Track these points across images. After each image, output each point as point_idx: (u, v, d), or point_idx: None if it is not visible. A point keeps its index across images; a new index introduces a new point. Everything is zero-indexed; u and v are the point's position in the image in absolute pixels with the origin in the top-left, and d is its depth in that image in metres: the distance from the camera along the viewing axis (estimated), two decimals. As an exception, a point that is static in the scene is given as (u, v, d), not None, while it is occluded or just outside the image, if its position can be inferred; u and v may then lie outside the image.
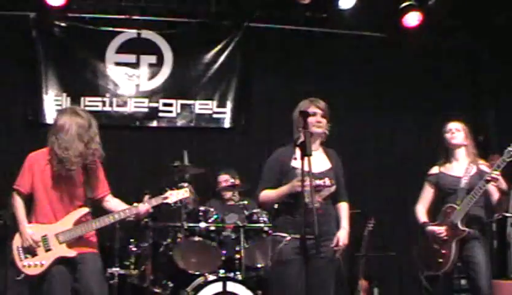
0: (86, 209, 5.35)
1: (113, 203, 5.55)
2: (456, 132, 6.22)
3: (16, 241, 5.32)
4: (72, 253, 5.25)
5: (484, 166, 6.13)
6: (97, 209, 5.49)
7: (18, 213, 5.36)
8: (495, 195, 6.10)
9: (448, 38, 9.12)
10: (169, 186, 5.76)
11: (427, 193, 6.35)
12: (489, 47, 8.83)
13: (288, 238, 5.03)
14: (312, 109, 5.20)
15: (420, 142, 9.00)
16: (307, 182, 4.85)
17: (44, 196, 5.31)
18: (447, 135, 6.24)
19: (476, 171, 6.09)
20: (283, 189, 5.07)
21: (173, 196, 5.60)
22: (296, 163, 5.09)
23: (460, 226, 5.93)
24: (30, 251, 5.24)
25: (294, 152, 5.15)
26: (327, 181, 5.12)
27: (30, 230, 5.26)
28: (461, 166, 6.18)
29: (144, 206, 5.42)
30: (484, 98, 9.10)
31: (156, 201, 5.50)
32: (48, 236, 5.24)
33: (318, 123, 5.21)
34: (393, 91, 9.25)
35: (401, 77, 9.23)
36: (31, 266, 5.24)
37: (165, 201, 5.56)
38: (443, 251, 6.03)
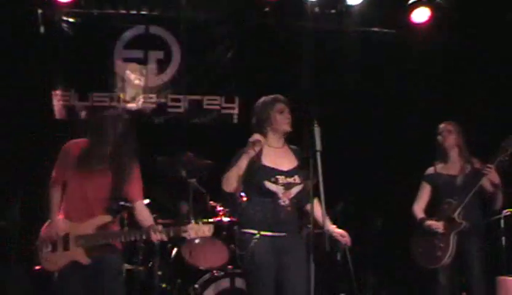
0: (109, 217, 5.30)
1: (141, 215, 5.47)
2: (447, 133, 6.42)
3: (44, 231, 5.30)
4: (85, 260, 5.21)
5: (478, 164, 6.31)
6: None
7: (51, 204, 5.33)
8: (490, 190, 6.23)
9: (457, 34, 9.08)
10: (195, 218, 5.58)
11: (424, 193, 6.55)
12: (498, 44, 8.78)
13: (258, 235, 5.03)
14: (280, 106, 5.29)
15: (428, 140, 8.96)
16: (280, 179, 5.04)
17: (77, 191, 5.31)
18: (439, 137, 6.46)
19: (471, 170, 6.29)
20: (241, 152, 5.10)
21: (193, 231, 5.28)
22: (267, 161, 5.15)
23: (457, 219, 6.09)
24: (52, 245, 5.24)
25: (261, 150, 5.16)
26: (297, 178, 5.16)
27: (58, 223, 5.24)
28: (456, 165, 6.38)
29: (156, 235, 5.22)
30: (491, 95, 9.05)
31: (174, 232, 5.26)
32: (70, 236, 5.22)
33: (287, 120, 5.26)
34: (402, 88, 9.22)
35: (409, 73, 9.19)
36: (47, 260, 5.24)
37: (184, 235, 5.29)
38: (441, 245, 6.18)
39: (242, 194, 5.34)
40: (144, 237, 5.32)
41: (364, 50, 9.17)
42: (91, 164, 5.28)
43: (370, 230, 8.03)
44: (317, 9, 8.89)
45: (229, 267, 6.90)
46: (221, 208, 7.32)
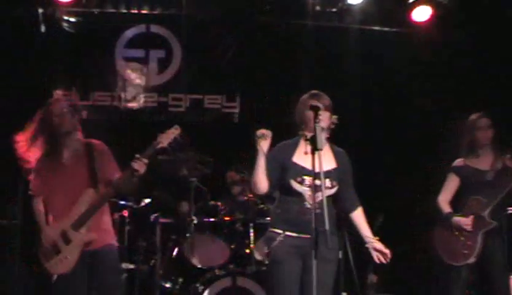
0: (91, 190, 5.32)
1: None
2: (488, 129, 6.21)
3: (40, 245, 5.32)
4: (92, 236, 5.23)
5: (509, 161, 6.13)
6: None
7: (37, 217, 5.39)
8: None
9: (458, 32, 9.06)
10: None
11: (451, 185, 6.35)
12: (500, 41, 8.76)
13: (283, 234, 4.98)
14: (314, 103, 5.06)
15: (430, 137, 8.95)
16: (306, 180, 4.91)
17: (56, 191, 5.35)
18: (480, 132, 6.21)
19: (503, 167, 6.12)
20: (298, 188, 4.97)
21: (164, 138, 5.37)
22: (298, 159, 5.04)
23: (486, 218, 5.97)
24: (53, 250, 5.25)
25: (296, 147, 5.10)
26: (328, 182, 4.97)
27: (48, 230, 5.27)
28: (487, 161, 6.19)
29: (137, 163, 5.22)
30: (494, 93, 9.03)
31: (150, 150, 5.31)
32: (66, 230, 5.24)
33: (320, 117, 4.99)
34: (403, 86, 9.20)
35: (410, 72, 9.18)
36: (57, 263, 5.23)
37: (159, 146, 5.34)
38: (469, 242, 6.05)
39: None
40: (128, 174, 5.27)
41: (365, 48, 9.16)
42: (58, 159, 5.36)
43: (371, 228, 8.00)
44: (318, 7, 8.89)
45: (231, 266, 6.90)
46: (222, 207, 7.32)
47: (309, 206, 4.93)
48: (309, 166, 4.86)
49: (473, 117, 6.33)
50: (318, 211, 4.77)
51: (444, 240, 6.22)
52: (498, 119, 6.31)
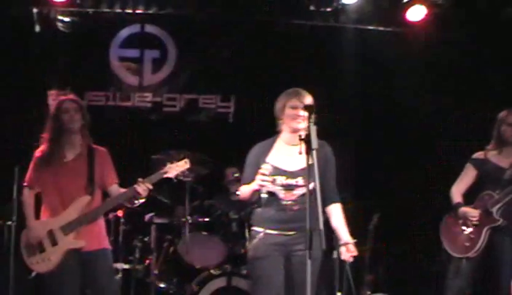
0: (88, 198, 5.33)
1: (118, 192, 5.50)
2: None
3: (23, 240, 5.32)
4: (79, 244, 5.24)
5: None
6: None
7: (26, 209, 5.38)
8: None
9: (453, 32, 9.07)
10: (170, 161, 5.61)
11: (468, 176, 6.27)
12: (495, 41, 8.77)
13: (263, 232, 4.99)
14: (293, 103, 5.08)
15: (426, 136, 8.95)
16: (278, 180, 4.91)
17: (52, 188, 5.33)
18: (508, 128, 6.12)
19: None
20: (252, 185, 4.93)
21: (172, 169, 5.41)
22: (272, 159, 5.03)
23: (494, 214, 5.92)
24: (37, 247, 5.24)
25: (272, 147, 5.10)
26: (300, 181, 4.96)
27: (35, 226, 5.27)
28: (509, 158, 6.11)
29: (141, 186, 5.26)
30: (491, 92, 9.04)
31: (156, 177, 5.36)
32: (54, 230, 5.23)
33: (298, 117, 5.02)
34: (399, 86, 9.21)
35: (405, 71, 9.18)
36: (39, 262, 5.23)
37: (165, 176, 5.39)
38: (472, 236, 6.00)
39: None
40: (130, 195, 5.33)
41: (360, 48, 9.17)
42: (59, 157, 5.37)
43: (367, 227, 8.01)
44: (312, 7, 8.89)
45: (226, 266, 6.90)
46: (218, 206, 7.32)
47: (285, 203, 4.97)
48: (283, 165, 4.97)
49: (504, 112, 6.22)
50: (296, 208, 4.90)
51: (449, 230, 6.20)
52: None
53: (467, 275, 6.16)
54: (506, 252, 5.97)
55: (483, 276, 6.31)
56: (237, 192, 5.16)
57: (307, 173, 4.65)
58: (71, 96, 5.69)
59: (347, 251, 5.03)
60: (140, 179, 5.29)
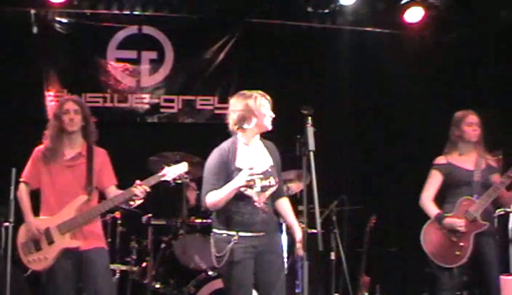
0: (85, 197, 5.34)
1: (114, 193, 5.50)
2: (477, 127, 6.12)
3: (20, 237, 5.33)
4: (75, 243, 5.25)
5: (491, 160, 6.14)
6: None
7: (23, 205, 5.39)
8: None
9: (450, 33, 9.09)
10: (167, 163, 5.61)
11: (435, 182, 6.23)
12: (493, 42, 8.79)
13: (236, 237, 4.97)
14: (262, 102, 5.20)
15: (422, 138, 8.97)
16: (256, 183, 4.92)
17: (51, 187, 5.34)
18: (469, 128, 6.11)
19: (486, 166, 6.08)
20: (233, 184, 4.88)
21: (170, 172, 5.40)
22: (241, 164, 5.01)
23: (479, 219, 5.92)
24: (34, 245, 5.25)
25: (236, 151, 5.08)
26: (272, 180, 5.05)
27: (33, 221, 5.28)
28: (471, 159, 6.12)
29: (138, 189, 5.27)
30: (488, 94, 9.05)
31: (154, 179, 5.36)
32: (51, 228, 5.24)
33: (270, 118, 5.15)
34: (396, 88, 9.22)
35: (403, 73, 9.19)
36: (36, 260, 5.25)
37: (163, 178, 5.38)
38: (461, 244, 5.97)
39: None
40: (127, 197, 5.33)
41: (358, 50, 9.18)
42: (59, 156, 5.41)
43: (363, 228, 8.02)
44: (309, 9, 8.89)
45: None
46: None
47: (259, 206, 5.00)
48: (253, 167, 4.94)
49: (461, 112, 6.22)
50: (267, 209, 5.01)
51: (435, 241, 6.11)
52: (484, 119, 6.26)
53: (459, 281, 6.18)
54: (491, 253, 6.00)
55: (473, 278, 6.35)
56: (208, 197, 4.97)
57: (272, 171, 4.99)
58: (73, 97, 5.71)
59: (303, 247, 5.04)
60: (137, 182, 5.30)
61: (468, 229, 5.96)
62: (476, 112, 6.21)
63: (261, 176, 4.96)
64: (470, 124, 6.13)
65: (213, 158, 5.12)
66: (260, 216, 4.99)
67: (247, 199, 4.99)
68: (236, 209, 5.00)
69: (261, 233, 5.00)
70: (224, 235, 5.01)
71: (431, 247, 6.14)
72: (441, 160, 6.24)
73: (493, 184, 5.97)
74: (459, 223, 5.96)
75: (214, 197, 4.95)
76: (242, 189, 4.90)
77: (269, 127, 5.14)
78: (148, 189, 5.32)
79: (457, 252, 5.99)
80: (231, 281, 5.02)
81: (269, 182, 5.04)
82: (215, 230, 5.12)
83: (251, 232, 4.99)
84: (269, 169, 5.08)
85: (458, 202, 6.04)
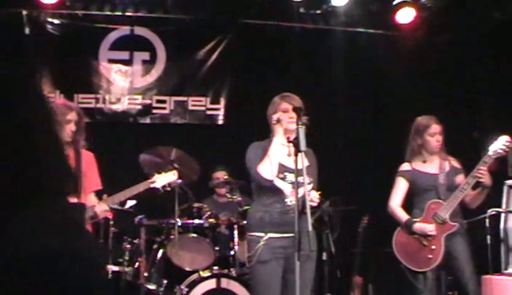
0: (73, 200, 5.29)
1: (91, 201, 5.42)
2: (439, 136, 6.16)
3: None
4: None
5: (455, 162, 6.20)
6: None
7: None
8: (472, 191, 6.06)
9: (442, 34, 9.11)
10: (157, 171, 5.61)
11: (401, 189, 6.30)
12: (486, 42, 8.81)
13: (266, 237, 5.01)
14: (284, 106, 5.19)
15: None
16: (288, 177, 4.98)
17: None
18: (431, 139, 6.15)
19: (450, 168, 6.14)
20: (279, 184, 5.03)
21: (160, 179, 5.42)
22: (283, 160, 5.09)
23: (449, 221, 5.95)
24: None
25: (270, 146, 5.13)
26: (307, 179, 5.00)
27: None
28: (434, 163, 6.18)
29: (101, 206, 5.21)
30: (479, 94, 9.08)
31: (143, 186, 5.36)
32: None
33: (291, 119, 5.12)
34: (389, 89, 9.23)
35: (396, 73, 9.20)
36: None
37: (152, 185, 5.39)
38: (433, 247, 5.99)
39: None
40: (89, 214, 5.22)
41: (351, 50, 9.19)
42: None
43: (356, 229, 8.04)
44: (302, 9, 8.90)
45: (215, 267, 6.90)
46: (207, 209, 7.32)
47: (290, 203, 5.00)
48: (288, 163, 5.04)
49: (424, 121, 6.24)
50: (298, 210, 4.88)
51: (406, 247, 6.15)
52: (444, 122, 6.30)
53: (435, 284, 6.19)
54: (463, 251, 6.00)
55: (448, 276, 6.39)
56: (259, 167, 5.06)
57: (303, 173, 4.81)
58: (75, 105, 5.64)
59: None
60: (104, 196, 5.24)
61: (438, 232, 5.98)
62: (438, 119, 6.24)
63: (293, 171, 4.93)
64: (433, 134, 6.15)
65: (250, 148, 5.26)
66: (291, 216, 4.92)
67: (280, 196, 5.02)
68: (267, 209, 5.06)
69: (292, 234, 4.89)
70: (255, 236, 5.08)
71: (403, 253, 6.17)
72: (405, 166, 6.29)
73: (459, 185, 6.00)
74: (429, 228, 5.99)
75: (265, 167, 5.04)
76: (278, 183, 5.00)
77: (290, 128, 5.15)
78: (107, 208, 5.27)
79: (430, 256, 6.00)
80: (257, 282, 5.11)
81: (303, 180, 4.97)
82: (248, 233, 5.22)
83: (281, 233, 5.02)
84: (303, 169, 4.98)
85: (427, 206, 6.06)
